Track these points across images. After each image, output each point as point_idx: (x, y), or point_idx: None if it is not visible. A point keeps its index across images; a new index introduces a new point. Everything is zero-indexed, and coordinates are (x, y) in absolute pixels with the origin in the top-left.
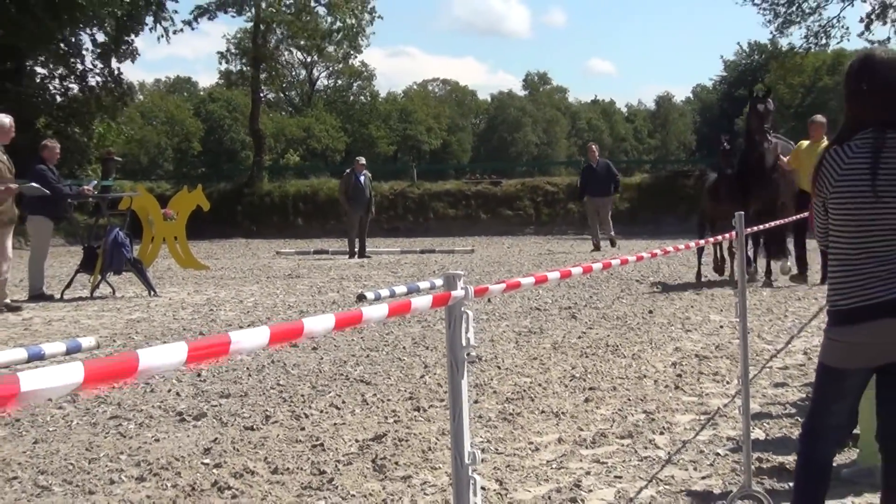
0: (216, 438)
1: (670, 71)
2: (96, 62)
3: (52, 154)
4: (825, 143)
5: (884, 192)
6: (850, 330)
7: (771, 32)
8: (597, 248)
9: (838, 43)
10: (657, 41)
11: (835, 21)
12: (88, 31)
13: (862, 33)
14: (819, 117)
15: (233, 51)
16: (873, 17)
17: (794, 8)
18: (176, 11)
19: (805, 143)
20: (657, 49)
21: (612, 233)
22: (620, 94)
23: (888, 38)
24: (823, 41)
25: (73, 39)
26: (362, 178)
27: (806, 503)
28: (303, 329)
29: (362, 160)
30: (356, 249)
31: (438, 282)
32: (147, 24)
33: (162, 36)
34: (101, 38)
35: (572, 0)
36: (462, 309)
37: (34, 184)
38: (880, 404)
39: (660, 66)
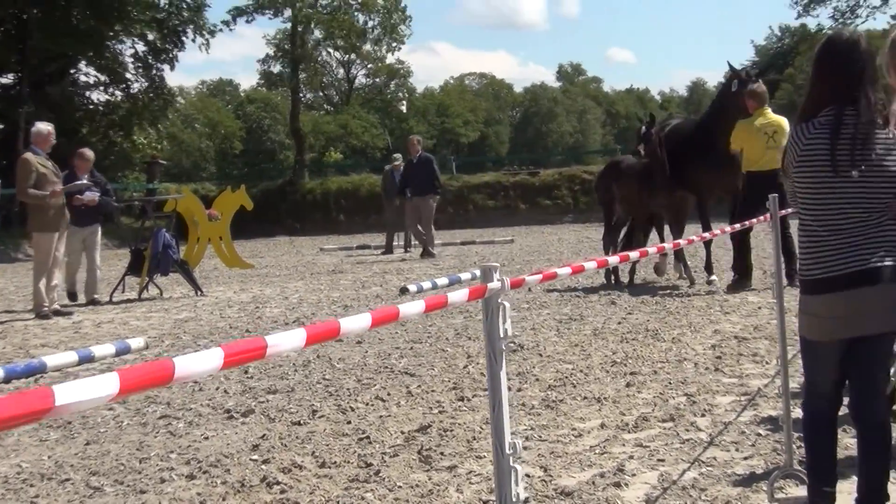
0: (264, 434)
1: (699, 57)
2: (138, 69)
3: (84, 163)
4: (768, 114)
5: (842, 166)
6: (814, 301)
7: (797, 13)
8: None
9: (864, 21)
10: (679, 27)
11: (861, 0)
12: (131, 40)
13: (879, 6)
14: (759, 87)
15: (272, 53)
16: None
17: None
18: (214, 25)
19: (742, 121)
20: (680, 35)
21: (432, 244)
22: (652, 83)
23: None
24: (850, 20)
25: (116, 48)
26: (398, 178)
27: (815, 455)
28: (339, 329)
29: (398, 159)
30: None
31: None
32: (188, 36)
33: (203, 45)
34: (141, 47)
35: None
36: (499, 300)
37: (84, 182)
38: (849, 378)
39: (685, 52)
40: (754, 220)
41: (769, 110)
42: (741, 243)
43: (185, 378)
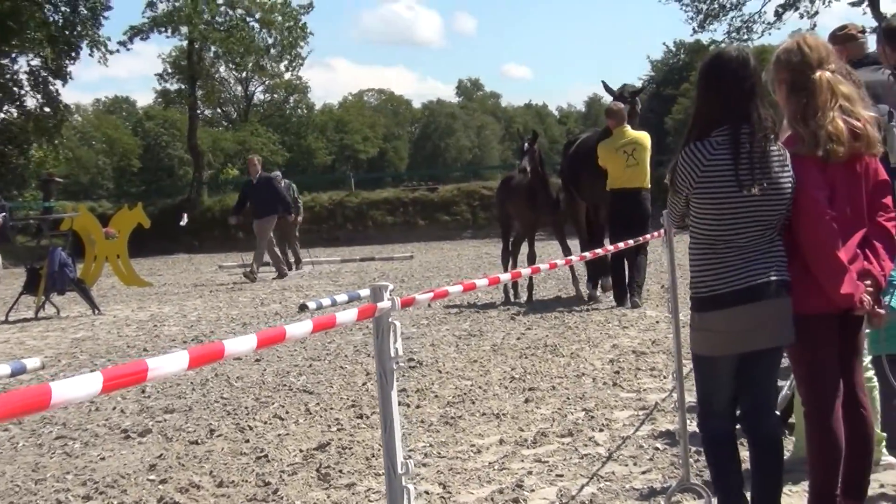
0: (161, 454)
1: (596, 72)
2: (33, 85)
3: None
4: (627, 132)
5: (746, 184)
6: (712, 316)
7: (693, 29)
8: (280, 275)
9: (759, 38)
10: (574, 43)
11: (756, 16)
12: (25, 55)
13: (773, 22)
14: (615, 105)
15: (169, 70)
16: (786, 5)
17: (715, 4)
18: (109, 38)
19: (603, 142)
20: (576, 51)
21: (260, 263)
22: (549, 98)
23: (812, 27)
24: (746, 36)
25: (9, 65)
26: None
27: (719, 473)
28: (223, 351)
29: (279, 175)
30: (296, 260)
31: None
32: (82, 49)
33: (101, 60)
34: (36, 62)
35: (480, 6)
36: (389, 320)
37: None
38: (739, 388)
39: (582, 67)
40: (631, 243)
41: (628, 127)
42: (616, 259)
43: (62, 404)
